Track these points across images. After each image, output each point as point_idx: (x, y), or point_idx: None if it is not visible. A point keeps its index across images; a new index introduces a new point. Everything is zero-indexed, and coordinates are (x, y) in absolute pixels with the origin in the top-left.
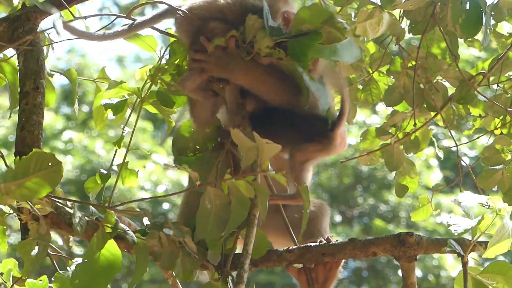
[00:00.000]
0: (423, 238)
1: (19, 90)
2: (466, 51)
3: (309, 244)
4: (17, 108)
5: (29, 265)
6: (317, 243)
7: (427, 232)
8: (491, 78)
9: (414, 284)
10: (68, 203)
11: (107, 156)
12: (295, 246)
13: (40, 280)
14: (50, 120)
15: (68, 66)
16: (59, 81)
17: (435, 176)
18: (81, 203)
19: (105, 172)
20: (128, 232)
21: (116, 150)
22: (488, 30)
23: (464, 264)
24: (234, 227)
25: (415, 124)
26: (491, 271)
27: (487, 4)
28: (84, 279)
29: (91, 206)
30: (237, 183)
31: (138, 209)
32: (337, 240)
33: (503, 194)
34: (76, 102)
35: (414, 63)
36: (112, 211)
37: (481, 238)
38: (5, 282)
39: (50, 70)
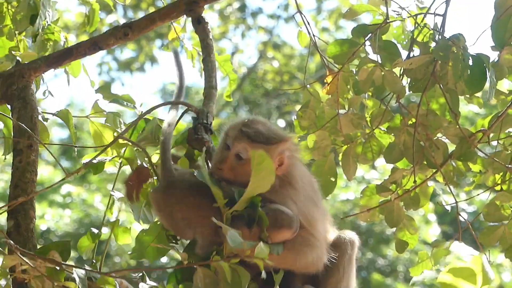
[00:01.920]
0: None
1: (12, 148)
2: (465, 107)
3: None
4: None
5: None
6: None
7: (425, 287)
8: (491, 135)
9: None
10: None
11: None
12: None
13: None
14: (49, 173)
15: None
16: (57, 134)
17: (434, 231)
18: (77, 267)
19: (96, 231)
20: None
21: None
22: (492, 85)
23: None
24: None
25: (415, 181)
26: None
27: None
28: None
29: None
30: (222, 265)
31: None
32: None
33: (505, 250)
34: (75, 142)
35: (414, 120)
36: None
37: None
38: None
39: (44, 112)
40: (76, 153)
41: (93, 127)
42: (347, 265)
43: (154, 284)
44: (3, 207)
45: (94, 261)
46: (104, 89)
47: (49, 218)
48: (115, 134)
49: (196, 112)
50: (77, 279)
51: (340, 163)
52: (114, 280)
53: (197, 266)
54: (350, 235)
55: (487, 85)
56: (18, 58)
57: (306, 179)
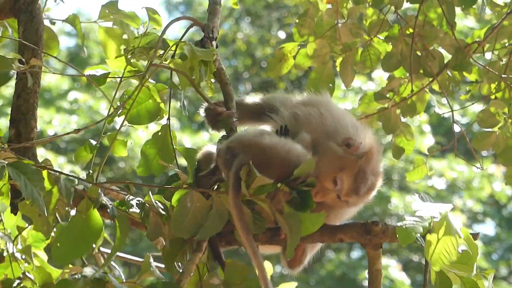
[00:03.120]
0: (388, 227)
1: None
2: (460, 22)
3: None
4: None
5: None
6: None
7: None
8: (486, 46)
9: (380, 271)
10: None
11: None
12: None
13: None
14: (56, 81)
15: (74, 30)
16: (65, 43)
17: (428, 141)
18: (69, 176)
19: (94, 142)
20: (111, 204)
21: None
22: (484, 1)
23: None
24: (206, 235)
25: (412, 89)
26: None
27: None
28: (65, 244)
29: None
30: (223, 197)
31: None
32: None
33: (498, 155)
34: (83, 43)
35: (411, 30)
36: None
37: None
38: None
39: (52, 20)
40: (85, 53)
41: (102, 33)
42: None
43: (139, 199)
44: None
45: (91, 171)
46: (111, 5)
47: (57, 123)
48: (124, 37)
49: (202, 27)
50: (62, 186)
51: (338, 71)
52: (99, 190)
53: (194, 190)
54: None
55: (479, 1)
56: None
57: None
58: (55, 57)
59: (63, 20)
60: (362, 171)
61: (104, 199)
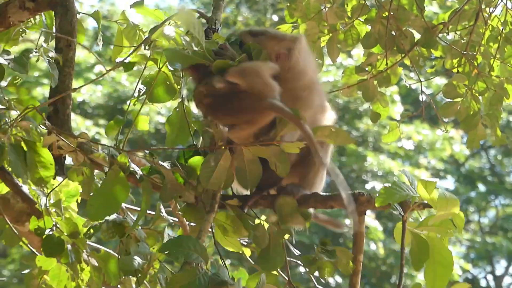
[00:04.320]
0: (372, 197)
1: (54, 47)
2: (427, 8)
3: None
4: None
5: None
6: (288, 193)
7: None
8: (450, 27)
9: (363, 233)
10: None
11: (130, 86)
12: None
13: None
14: (84, 56)
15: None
16: (92, 24)
17: (398, 109)
18: (101, 145)
19: (120, 118)
20: (138, 171)
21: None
22: None
23: (404, 221)
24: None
25: (387, 64)
26: (424, 224)
27: None
28: (97, 203)
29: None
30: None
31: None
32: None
33: (461, 122)
34: (100, 36)
35: (387, 14)
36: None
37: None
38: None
39: (81, 13)
40: (101, 42)
41: (119, 32)
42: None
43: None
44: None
45: (117, 143)
46: (138, 4)
47: (84, 92)
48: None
49: (207, 19)
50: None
51: (326, 49)
52: (127, 157)
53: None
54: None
55: None
56: None
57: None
58: (81, 44)
59: (89, 15)
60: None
61: (132, 166)
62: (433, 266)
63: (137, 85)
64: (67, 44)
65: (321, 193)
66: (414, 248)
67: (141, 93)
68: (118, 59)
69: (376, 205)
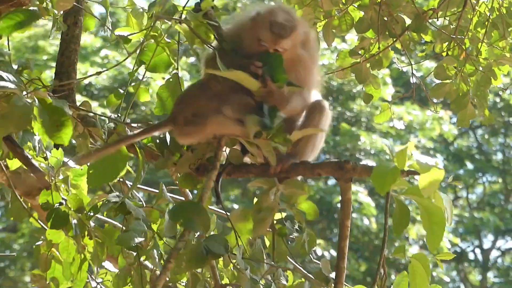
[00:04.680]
0: (358, 165)
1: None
2: None
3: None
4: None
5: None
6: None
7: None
8: (439, 13)
9: (350, 199)
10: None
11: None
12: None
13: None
14: (91, 41)
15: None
16: (98, 10)
17: (389, 91)
18: (102, 116)
19: (122, 91)
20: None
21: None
22: None
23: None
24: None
25: (379, 47)
26: (409, 192)
27: None
28: (98, 170)
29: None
30: None
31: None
32: None
33: (451, 102)
34: (108, 22)
35: (379, 0)
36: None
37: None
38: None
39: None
40: (108, 32)
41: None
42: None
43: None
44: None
45: (119, 114)
46: None
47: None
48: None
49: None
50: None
51: (322, 33)
52: (125, 127)
53: None
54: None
55: None
56: None
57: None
58: (90, 13)
59: (98, 2)
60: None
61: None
62: (429, 225)
63: (137, 57)
64: (74, 22)
65: (310, 162)
66: (396, 214)
67: (140, 65)
68: (119, 33)
69: (377, 191)
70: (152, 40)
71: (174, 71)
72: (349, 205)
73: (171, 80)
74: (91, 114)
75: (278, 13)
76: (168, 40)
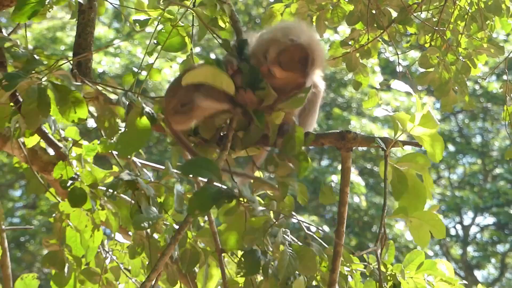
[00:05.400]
0: (358, 135)
1: (78, 8)
2: None
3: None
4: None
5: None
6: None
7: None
8: (423, 7)
9: (349, 168)
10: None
11: (145, 58)
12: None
13: (93, 144)
14: (105, 32)
15: None
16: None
17: (378, 79)
18: (122, 90)
19: (136, 70)
20: (154, 113)
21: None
22: None
23: (386, 156)
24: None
25: (368, 38)
26: (404, 160)
27: None
28: (124, 141)
29: (129, 93)
30: None
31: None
32: None
33: (435, 89)
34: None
35: None
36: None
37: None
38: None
39: None
40: (126, 21)
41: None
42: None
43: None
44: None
45: (133, 91)
46: None
47: (104, 64)
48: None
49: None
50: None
51: (315, 25)
52: (142, 103)
53: None
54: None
55: None
56: None
57: None
58: (101, 21)
59: None
60: (288, 50)
61: (147, 108)
62: (408, 197)
63: (151, 37)
64: (89, 6)
65: (313, 132)
66: (394, 180)
67: (155, 46)
68: (136, 17)
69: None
70: (166, 24)
71: (189, 52)
72: (349, 173)
73: (187, 59)
74: (111, 90)
75: (300, 47)
76: (182, 24)
